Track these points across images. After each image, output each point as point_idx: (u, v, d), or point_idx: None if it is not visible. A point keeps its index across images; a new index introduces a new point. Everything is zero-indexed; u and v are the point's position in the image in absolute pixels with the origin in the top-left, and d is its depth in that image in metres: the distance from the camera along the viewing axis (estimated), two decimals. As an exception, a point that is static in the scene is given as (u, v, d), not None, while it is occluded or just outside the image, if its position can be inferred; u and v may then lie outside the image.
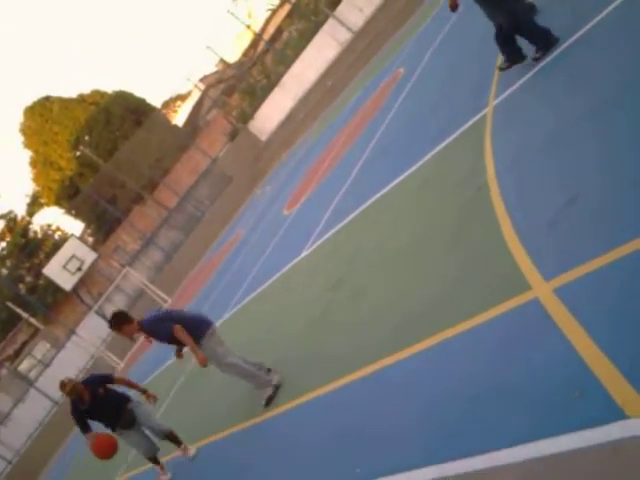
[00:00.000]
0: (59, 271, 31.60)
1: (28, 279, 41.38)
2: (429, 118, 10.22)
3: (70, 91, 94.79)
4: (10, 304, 32.43)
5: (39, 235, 44.46)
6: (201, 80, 45.89)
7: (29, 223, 45.57)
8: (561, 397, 3.21)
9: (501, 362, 3.91)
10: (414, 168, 8.59)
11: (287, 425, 6.44)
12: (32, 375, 31.24)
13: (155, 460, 8.72)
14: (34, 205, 47.91)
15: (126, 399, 8.44)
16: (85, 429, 8.18)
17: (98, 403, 8.16)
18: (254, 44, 46.08)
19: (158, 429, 8.46)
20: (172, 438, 8.52)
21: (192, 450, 8.51)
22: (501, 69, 7.68)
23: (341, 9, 29.12)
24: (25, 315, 32.51)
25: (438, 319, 4.96)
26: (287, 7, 40.23)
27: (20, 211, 47.79)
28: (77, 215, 43.48)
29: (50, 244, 41.36)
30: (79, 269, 31.83)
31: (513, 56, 7.49)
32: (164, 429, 8.49)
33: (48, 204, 47.06)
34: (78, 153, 43.09)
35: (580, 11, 7.29)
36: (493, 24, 7.62)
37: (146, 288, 31.66)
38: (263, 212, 23.79)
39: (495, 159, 6.32)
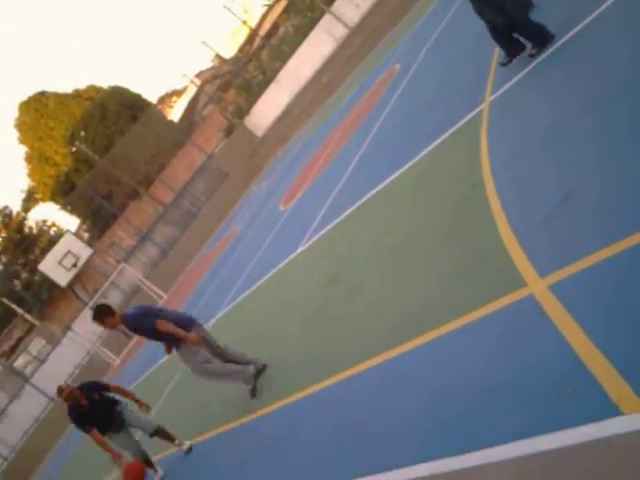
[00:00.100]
0: (54, 267, 31.58)
1: (23, 275, 41.32)
2: (425, 114, 10.22)
3: (65, 86, 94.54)
4: (5, 300, 32.38)
5: (34, 231, 44.40)
6: (197, 76, 45.87)
7: (24, 219, 45.49)
8: (556, 393, 3.21)
9: (496, 359, 3.91)
10: (410, 164, 8.58)
11: (282, 422, 6.43)
12: (28, 371, 31.21)
13: (147, 461, 8.73)
14: (29, 201, 47.81)
15: (115, 402, 8.52)
16: (87, 429, 8.25)
17: (94, 408, 8.22)
18: (250, 40, 46.03)
19: (148, 426, 8.52)
20: (163, 435, 8.56)
21: (187, 444, 8.54)
22: (503, 64, 7.68)
23: (337, 5, 29.09)
24: (20, 311, 32.44)
25: (433, 316, 4.95)
26: (283, 3, 40.23)
27: (15, 207, 47.83)
28: (72, 211, 43.42)
29: (45, 240, 41.30)
30: (74, 265, 31.81)
31: (513, 49, 7.50)
32: (153, 425, 8.54)
33: (43, 200, 46.97)
34: (73, 149, 43.03)
35: (577, 6, 7.29)
36: (483, 21, 7.64)
37: (142, 284, 31.64)
38: (259, 208, 23.77)
39: (491, 155, 6.32)
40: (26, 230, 44.43)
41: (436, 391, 4.22)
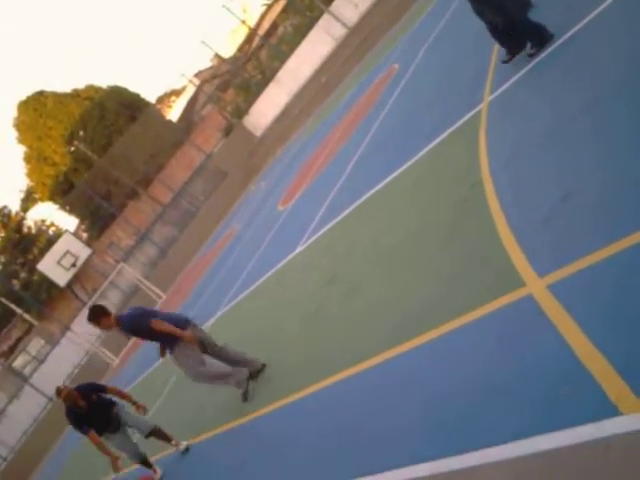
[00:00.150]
0: (53, 267, 31.56)
1: (22, 275, 41.32)
2: (424, 114, 10.22)
3: (64, 86, 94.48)
4: (4, 300, 32.33)
5: (33, 231, 44.39)
6: (196, 75, 45.83)
7: (23, 219, 45.46)
8: (555, 393, 3.21)
9: (495, 359, 3.91)
10: (409, 164, 8.58)
11: (281, 422, 6.44)
12: (27, 371, 31.18)
13: (145, 462, 8.74)
14: (28, 201, 47.76)
15: (112, 404, 8.53)
16: (85, 430, 8.26)
17: (92, 409, 8.24)
18: (249, 39, 45.99)
19: (144, 426, 8.54)
20: (160, 435, 8.58)
21: (183, 444, 8.56)
22: (504, 62, 7.69)
23: (336, 4, 29.07)
24: (19, 311, 32.42)
25: (432, 316, 4.96)
26: (282, 2, 40.20)
27: (14, 207, 47.64)
28: (71, 211, 43.37)
29: (44, 240, 41.28)
30: (73, 265, 31.80)
31: (514, 47, 7.51)
32: (150, 425, 8.55)
33: (42, 199, 46.91)
34: (72, 148, 42.97)
35: (576, 6, 7.29)
36: (482, 21, 7.65)
37: (141, 284, 31.62)
38: (258, 208, 23.76)
39: (490, 155, 6.32)
40: (25, 230, 44.41)
41: (435, 391, 4.22)
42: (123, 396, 8.61)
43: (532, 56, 7.19)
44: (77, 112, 44.33)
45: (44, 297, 37.27)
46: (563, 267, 3.91)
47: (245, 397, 7.72)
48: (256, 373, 7.81)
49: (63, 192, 43.04)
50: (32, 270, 38.00)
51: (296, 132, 31.67)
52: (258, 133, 35.58)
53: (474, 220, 5.62)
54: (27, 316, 33.40)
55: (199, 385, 8.47)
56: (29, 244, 42.15)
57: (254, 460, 6.42)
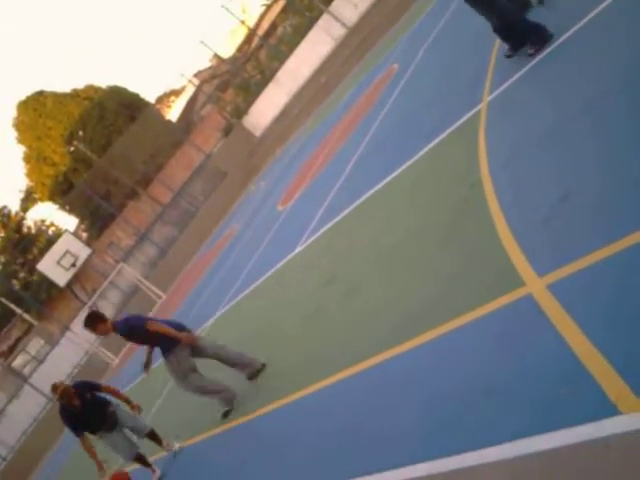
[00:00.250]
0: (53, 267, 31.56)
1: (22, 275, 41.31)
2: (423, 114, 10.22)
3: (64, 86, 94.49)
4: (4, 300, 32.35)
5: (33, 231, 44.39)
6: (195, 75, 45.85)
7: (23, 219, 45.45)
8: (554, 393, 3.21)
9: (494, 359, 3.91)
10: (408, 164, 8.58)
11: (281, 422, 6.44)
12: (26, 371, 31.18)
13: (141, 460, 8.73)
14: (28, 201, 47.77)
15: (107, 403, 8.52)
16: (78, 431, 8.24)
17: (86, 408, 8.22)
18: (248, 39, 46.00)
19: (141, 427, 8.55)
20: (153, 437, 8.60)
21: (176, 445, 8.57)
22: (507, 56, 7.70)
23: (335, 5, 29.08)
24: (19, 311, 32.44)
25: (432, 316, 4.95)
26: (281, 2, 40.21)
27: (14, 207, 47.66)
28: (71, 211, 43.38)
29: (44, 240, 41.29)
30: (73, 265, 31.80)
31: (516, 43, 7.51)
32: (147, 428, 8.60)
33: (42, 199, 46.92)
34: (72, 148, 42.97)
35: (576, 4, 7.28)
36: (489, 22, 7.68)
37: (140, 284, 31.64)
38: (257, 208, 23.76)
39: (489, 155, 6.32)
40: (24, 230, 44.41)
41: (434, 391, 4.22)
42: (118, 395, 8.62)
43: (532, 56, 7.18)
44: (77, 112, 44.34)
45: (44, 297, 37.27)
46: (563, 267, 3.91)
47: (226, 415, 7.85)
48: (256, 373, 7.83)
49: (63, 192, 43.05)
50: (32, 270, 38.01)
51: (295, 132, 31.67)
52: (257, 133, 35.58)
53: (473, 220, 5.62)
54: (27, 316, 33.42)
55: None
56: (29, 244, 42.15)
57: (254, 460, 6.42)
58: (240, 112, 36.93)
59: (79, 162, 42.37)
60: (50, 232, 42.79)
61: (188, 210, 36.61)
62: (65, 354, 30.01)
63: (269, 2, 43.83)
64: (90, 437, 8.41)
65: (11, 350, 37.49)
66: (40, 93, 45.94)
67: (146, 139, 38.69)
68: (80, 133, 43.29)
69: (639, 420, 2.68)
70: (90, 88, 47.38)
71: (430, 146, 8.22)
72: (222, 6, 34.61)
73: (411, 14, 21.81)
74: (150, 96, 59.29)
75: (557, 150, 5.22)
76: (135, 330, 7.71)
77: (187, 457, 8.43)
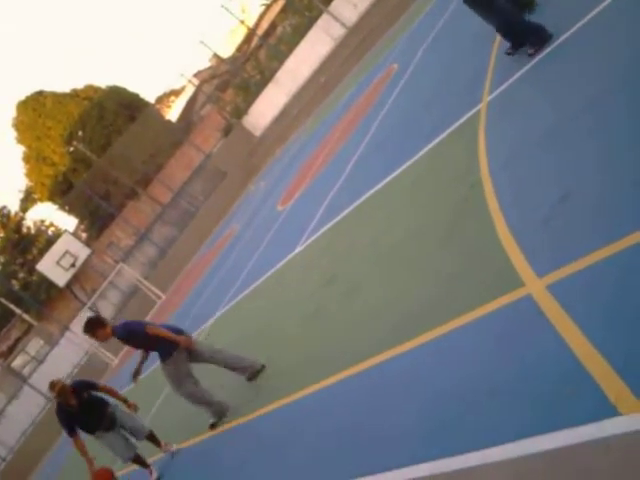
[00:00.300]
0: (52, 267, 31.55)
1: (21, 275, 41.28)
2: (423, 114, 10.22)
3: (63, 86, 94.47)
4: (3, 300, 32.34)
5: (32, 231, 44.33)
6: (195, 75, 45.82)
7: (22, 219, 45.41)
8: (554, 394, 3.22)
9: (494, 359, 3.92)
10: (408, 164, 8.58)
11: (281, 422, 6.44)
12: (25, 372, 31.17)
13: (138, 461, 8.72)
14: (27, 201, 47.73)
15: (106, 403, 8.51)
16: (72, 432, 8.22)
17: (82, 408, 8.22)
18: (248, 39, 45.99)
19: (140, 428, 8.58)
20: (152, 438, 8.63)
21: (174, 446, 8.58)
22: (508, 54, 7.71)
23: (335, 4, 29.08)
24: (18, 311, 32.44)
25: (432, 316, 4.96)
26: (281, 2, 40.20)
27: (13, 207, 47.63)
28: (70, 211, 43.36)
29: (43, 240, 41.28)
30: (73, 265, 31.79)
31: (517, 42, 7.52)
32: (146, 430, 8.63)
33: (41, 200, 46.89)
34: (71, 148, 42.95)
35: (576, 4, 7.27)
36: (488, 23, 7.71)
37: (140, 284, 31.63)
38: (257, 208, 23.76)
39: (489, 155, 6.32)
40: (24, 230, 44.35)
41: (435, 391, 4.22)
42: (115, 395, 8.61)
43: (531, 56, 7.19)
44: (76, 112, 44.32)
45: (43, 297, 37.25)
46: (562, 267, 3.91)
47: (213, 426, 7.96)
48: (256, 374, 7.84)
49: (62, 192, 43.02)
50: (31, 270, 37.98)
51: (295, 132, 31.67)
52: (257, 133, 35.58)
53: (473, 220, 5.62)
54: (26, 316, 33.41)
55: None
56: (28, 244, 42.13)
57: (254, 460, 6.42)
58: (240, 112, 36.93)
59: (79, 162, 42.34)
60: (50, 232, 42.78)
61: (188, 210, 36.61)
62: (65, 354, 30.00)
63: (269, 2, 43.82)
64: (88, 437, 8.41)
65: (10, 350, 37.47)
66: (40, 93, 45.91)
67: (146, 139, 38.68)
68: (80, 133, 43.28)
69: (638, 421, 2.68)
70: (90, 88, 47.36)
71: (430, 146, 8.22)
72: (222, 6, 34.64)
73: (410, 14, 21.81)
74: (150, 96, 59.38)
75: (557, 150, 5.22)
76: (134, 334, 7.76)
77: (187, 457, 8.43)
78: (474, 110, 7.65)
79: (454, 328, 4.54)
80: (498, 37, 8.11)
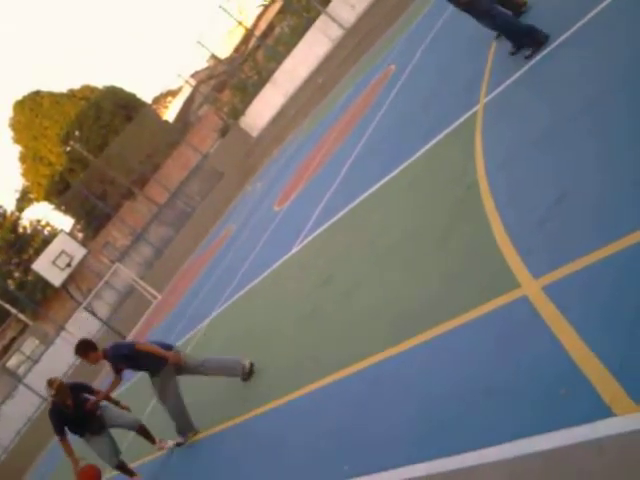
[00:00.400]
0: (48, 267, 31.49)
1: (17, 275, 41.18)
2: (420, 115, 10.22)
3: (60, 86, 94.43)
4: (-2, 300, 32.25)
5: (28, 231, 44.22)
6: (192, 76, 45.75)
7: (18, 218, 45.31)
8: (550, 395, 3.22)
9: (490, 360, 3.92)
10: (405, 165, 8.59)
11: (277, 422, 6.44)
12: (21, 371, 31.09)
13: (124, 468, 8.70)
14: (23, 200, 47.65)
15: (97, 407, 8.49)
16: (62, 434, 8.20)
17: (77, 408, 8.20)
18: (245, 40, 45.96)
19: (133, 423, 8.60)
20: (145, 434, 8.62)
21: (169, 443, 8.58)
22: (512, 53, 7.73)
23: (333, 5, 29.07)
24: (14, 311, 32.36)
25: (428, 317, 4.96)
26: (279, 3, 40.19)
27: (9, 206, 47.59)
28: (67, 211, 43.29)
29: (39, 240, 41.16)
30: (68, 265, 31.72)
31: (518, 41, 7.54)
32: (137, 421, 8.67)
33: (38, 199, 46.82)
34: (68, 148, 42.90)
35: (574, 4, 7.28)
36: (484, 27, 7.75)
37: (136, 284, 31.60)
38: (253, 208, 23.75)
39: (485, 156, 6.33)
40: (20, 230, 44.26)
41: (431, 392, 4.22)
42: (108, 398, 8.62)
43: (528, 58, 7.21)
44: (73, 112, 44.28)
45: (39, 297, 37.17)
46: (558, 268, 3.92)
47: (179, 444, 8.36)
48: (249, 374, 7.91)
49: (59, 192, 42.97)
50: (27, 270, 37.89)
51: (292, 133, 31.66)
52: (254, 134, 35.56)
53: (470, 221, 5.63)
54: (22, 316, 33.33)
55: (194, 383, 8.53)
56: (24, 244, 42.01)
57: (250, 460, 6.42)
58: (237, 113, 36.90)
59: (75, 162, 42.30)
60: (46, 232, 42.64)
61: (184, 210, 36.57)
62: (60, 354, 29.90)
63: (266, 3, 43.82)
64: (77, 440, 8.39)
65: (6, 350, 37.36)
66: (36, 93, 45.87)
67: (143, 139, 38.65)
68: (76, 133, 43.22)
69: (633, 422, 2.69)
70: (86, 88, 47.33)
71: (427, 147, 8.23)
72: (219, 7, 34.62)
73: (408, 15, 21.82)
74: (147, 96, 59.40)
75: (553, 151, 5.23)
76: (125, 355, 7.93)
77: (182, 457, 8.42)
78: (471, 111, 7.66)
79: (450, 329, 4.54)
80: (496, 38, 8.13)
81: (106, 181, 38.49)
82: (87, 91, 46.85)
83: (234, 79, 40.66)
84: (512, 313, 4.03)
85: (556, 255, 4.08)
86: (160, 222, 36.54)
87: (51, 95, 45.80)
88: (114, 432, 8.65)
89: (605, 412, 2.83)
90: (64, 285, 33.22)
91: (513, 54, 7.69)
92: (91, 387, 8.76)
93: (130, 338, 27.93)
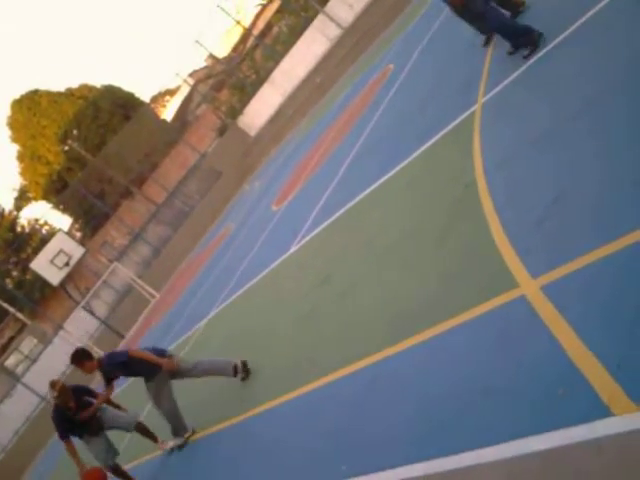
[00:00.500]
0: (46, 266, 31.44)
1: (15, 274, 41.16)
2: (418, 115, 10.22)
3: (58, 85, 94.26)
4: (-4, 299, 32.21)
5: (26, 230, 44.22)
6: (190, 75, 45.72)
7: (16, 217, 45.31)
8: (548, 395, 3.22)
9: (488, 360, 3.92)
10: (402, 165, 8.59)
11: (275, 423, 6.43)
12: (19, 371, 31.07)
13: (117, 471, 8.68)
14: (22, 199, 47.62)
15: (97, 408, 8.47)
16: (65, 435, 8.18)
17: (79, 410, 8.19)
18: (244, 39, 45.96)
19: (130, 422, 8.59)
20: (146, 432, 8.61)
21: (169, 443, 8.58)
22: (510, 53, 7.74)
23: (331, 5, 29.06)
24: (12, 310, 32.28)
25: (426, 316, 4.96)
26: (277, 2, 40.18)
27: (7, 205, 47.53)
28: (65, 210, 43.26)
29: (37, 239, 41.14)
30: (67, 264, 31.67)
31: (516, 41, 7.55)
32: (134, 419, 8.64)
33: (36, 198, 46.78)
34: (66, 147, 42.87)
35: (573, 4, 7.28)
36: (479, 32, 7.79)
37: (134, 283, 31.58)
38: (252, 208, 23.74)
39: (483, 156, 6.33)
40: (18, 229, 44.26)
41: (429, 391, 4.22)
42: (108, 402, 8.61)
43: (526, 58, 7.22)
44: (71, 111, 44.24)
45: (37, 296, 37.17)
46: (556, 268, 3.92)
47: (172, 449, 8.45)
48: (244, 373, 7.97)
49: (57, 191, 42.94)
50: (25, 269, 37.88)
51: (290, 132, 31.66)
52: (252, 133, 35.54)
53: (468, 221, 5.62)
54: (20, 315, 33.26)
55: (192, 385, 8.52)
56: (22, 243, 42.01)
57: (248, 460, 6.41)
58: (235, 112, 36.88)
59: (73, 161, 42.28)
60: (44, 231, 42.62)
61: (182, 210, 36.55)
62: (58, 353, 29.85)
63: (264, 2, 43.81)
64: (76, 441, 8.38)
65: (4, 349, 37.34)
66: (34, 92, 45.81)
67: (141, 138, 38.63)
68: (74, 132, 43.21)
69: (631, 422, 2.69)
70: (85, 87, 47.28)
71: (425, 147, 8.23)
72: (217, 6, 34.58)
73: (406, 15, 21.82)
74: (145, 95, 59.40)
75: (552, 151, 5.23)
76: (120, 363, 7.95)
77: (180, 457, 8.41)
78: (469, 111, 7.66)
79: (448, 329, 4.54)
80: (494, 39, 8.14)
81: (104, 180, 38.48)
82: (85, 90, 46.81)
83: (232, 78, 40.67)
84: (510, 313, 4.03)
85: (554, 255, 4.08)
86: (158, 221, 36.52)
87: (49, 94, 45.75)
88: (113, 433, 8.64)
89: (603, 412, 2.83)
90: (62, 284, 33.18)
91: (511, 54, 7.69)
92: (92, 390, 8.75)
93: (128, 337, 27.94)
